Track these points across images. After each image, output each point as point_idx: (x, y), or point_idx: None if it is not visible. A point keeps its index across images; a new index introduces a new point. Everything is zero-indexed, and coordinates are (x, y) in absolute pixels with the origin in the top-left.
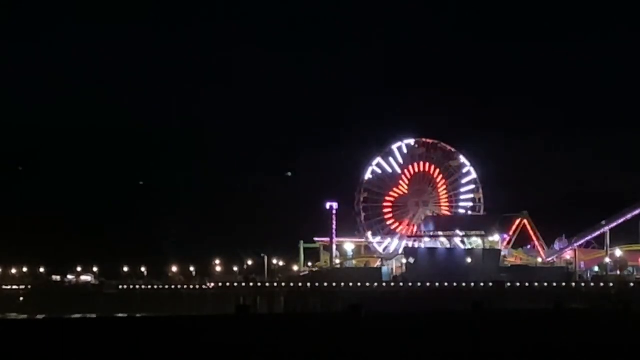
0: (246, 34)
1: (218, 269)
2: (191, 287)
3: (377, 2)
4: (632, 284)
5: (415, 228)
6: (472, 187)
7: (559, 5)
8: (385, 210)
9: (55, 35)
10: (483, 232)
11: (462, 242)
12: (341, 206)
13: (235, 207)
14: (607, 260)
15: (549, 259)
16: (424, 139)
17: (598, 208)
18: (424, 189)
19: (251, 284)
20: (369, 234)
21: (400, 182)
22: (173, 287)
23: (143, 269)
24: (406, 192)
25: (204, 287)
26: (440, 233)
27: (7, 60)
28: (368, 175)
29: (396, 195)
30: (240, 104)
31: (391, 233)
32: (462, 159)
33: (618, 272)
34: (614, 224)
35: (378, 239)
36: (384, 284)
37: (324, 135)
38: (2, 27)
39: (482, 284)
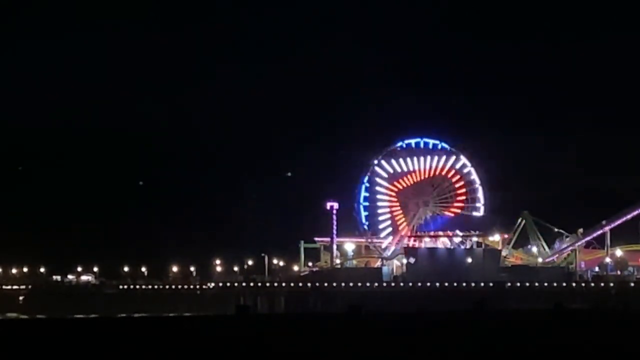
0: (246, 33)
1: (218, 269)
2: (191, 287)
3: (377, 1)
4: (632, 284)
5: (416, 228)
6: (473, 187)
7: (560, 5)
8: (386, 210)
9: (54, 36)
10: (483, 233)
11: (462, 242)
12: (341, 206)
13: (236, 207)
14: (608, 260)
15: (549, 259)
16: (424, 139)
17: (598, 208)
18: (425, 189)
19: (251, 284)
20: (369, 233)
21: (401, 182)
22: (173, 287)
23: (143, 269)
24: (406, 192)
25: (204, 287)
26: (441, 233)
27: (7, 60)
28: (368, 176)
29: (396, 195)
30: (240, 104)
31: (391, 233)
32: (463, 159)
33: (618, 272)
34: (614, 224)
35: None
36: (384, 284)
37: (323, 135)
38: (3, 28)
39: (482, 284)
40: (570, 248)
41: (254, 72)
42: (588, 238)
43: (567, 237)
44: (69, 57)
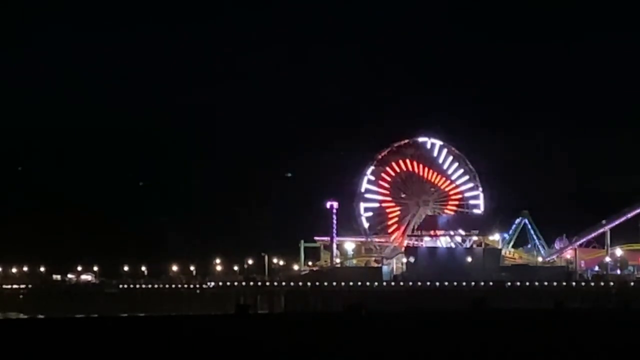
0: (246, 34)
1: (218, 268)
2: (191, 286)
3: (378, 1)
4: (632, 284)
5: (416, 227)
6: (473, 186)
7: (558, 6)
8: (386, 210)
9: (55, 36)
10: (482, 232)
11: (462, 241)
12: (341, 205)
13: (236, 206)
14: (608, 259)
15: (549, 259)
16: (424, 138)
17: (598, 208)
18: (424, 189)
19: (251, 284)
20: (369, 232)
21: (401, 181)
22: (173, 286)
23: (143, 269)
24: (406, 191)
25: (204, 286)
26: (441, 233)
27: (7, 60)
28: (368, 175)
29: (396, 194)
30: (240, 103)
31: (391, 232)
32: (463, 158)
33: (618, 272)
34: (614, 224)
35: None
36: (384, 284)
37: (324, 135)
38: (4, 28)
39: (482, 283)
40: (570, 248)
41: (254, 72)
42: (588, 237)
43: (573, 237)
44: (69, 56)
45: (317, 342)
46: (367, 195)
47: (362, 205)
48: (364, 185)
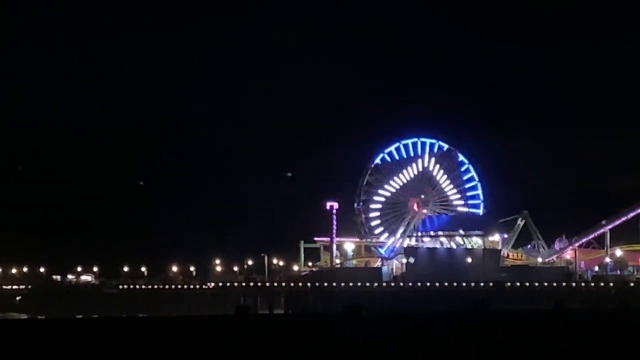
0: (245, 34)
1: (218, 268)
2: (191, 287)
3: (377, 1)
4: (632, 284)
5: (415, 228)
6: (472, 186)
7: (558, 6)
8: (386, 210)
9: (53, 36)
10: (482, 232)
11: (462, 242)
12: (341, 206)
13: (236, 206)
14: (607, 260)
15: (549, 259)
16: (424, 139)
17: (598, 208)
18: (424, 189)
19: (251, 284)
20: (369, 233)
21: (400, 181)
22: (173, 287)
23: (143, 269)
24: (406, 191)
25: (204, 287)
26: (440, 233)
27: (7, 60)
28: (368, 175)
29: (396, 194)
30: (240, 103)
31: (391, 233)
32: (462, 158)
33: (618, 272)
34: (614, 224)
35: (381, 237)
36: (384, 284)
37: (323, 135)
38: (4, 27)
39: (482, 284)
40: (570, 248)
41: (254, 72)
42: (588, 238)
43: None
44: (68, 56)
45: (317, 342)
46: (367, 196)
47: (363, 206)
48: (364, 186)
